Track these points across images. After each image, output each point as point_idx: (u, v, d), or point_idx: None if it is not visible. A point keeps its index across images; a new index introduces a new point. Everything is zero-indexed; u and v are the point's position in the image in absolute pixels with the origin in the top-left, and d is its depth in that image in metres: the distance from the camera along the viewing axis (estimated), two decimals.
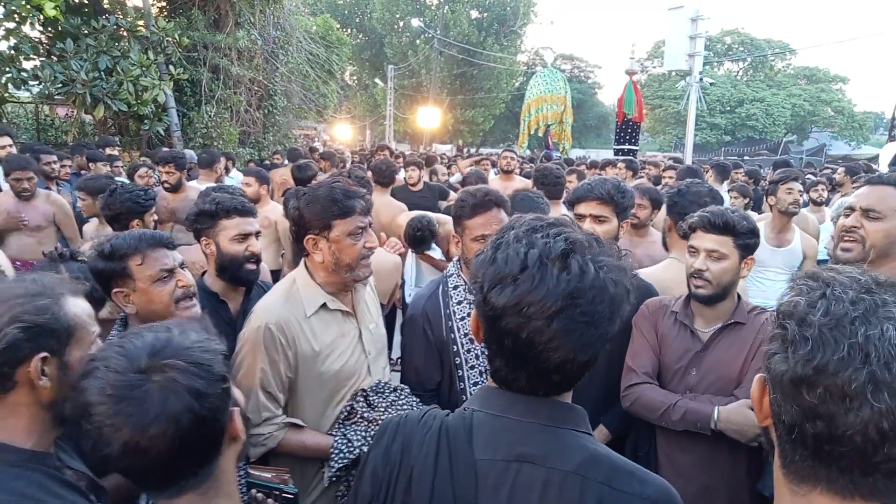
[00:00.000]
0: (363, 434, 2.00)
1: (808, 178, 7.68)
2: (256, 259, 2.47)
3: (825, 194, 5.81)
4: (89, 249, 1.91)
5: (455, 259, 2.49)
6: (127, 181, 5.15)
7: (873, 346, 0.74)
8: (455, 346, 2.33)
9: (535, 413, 1.08)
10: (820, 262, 4.86)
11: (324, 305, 2.09)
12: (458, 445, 1.10)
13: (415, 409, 2.05)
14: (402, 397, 2.13)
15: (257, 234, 2.52)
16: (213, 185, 4.45)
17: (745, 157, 29.46)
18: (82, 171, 7.11)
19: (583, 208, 2.50)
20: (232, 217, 2.43)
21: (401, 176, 6.45)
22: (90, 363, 1.05)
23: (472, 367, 2.33)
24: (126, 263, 1.84)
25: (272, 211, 4.76)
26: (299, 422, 2.07)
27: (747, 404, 2.02)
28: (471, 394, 2.32)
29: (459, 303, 2.37)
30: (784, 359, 0.79)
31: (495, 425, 1.09)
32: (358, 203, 2.06)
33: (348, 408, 2.08)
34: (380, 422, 1.98)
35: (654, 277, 2.66)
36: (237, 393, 1.16)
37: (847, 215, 2.14)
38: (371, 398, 2.09)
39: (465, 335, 2.33)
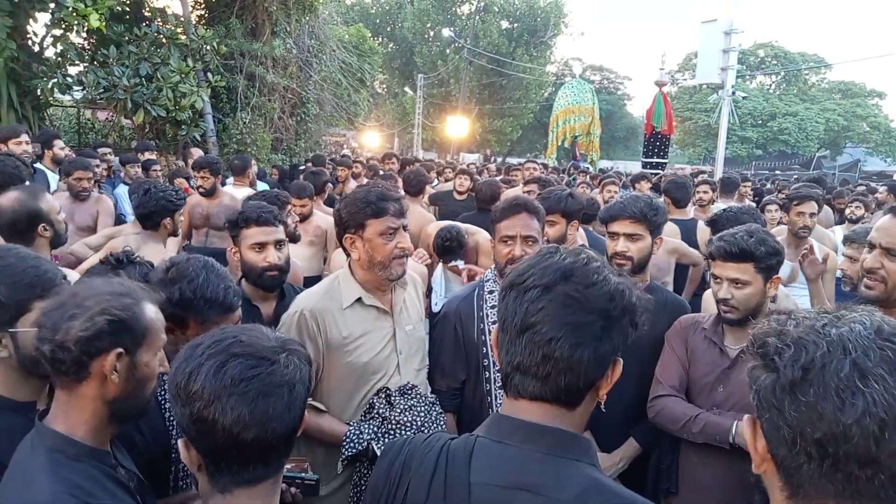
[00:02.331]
0: (374, 429, 2.08)
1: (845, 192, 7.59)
2: (278, 268, 2.50)
3: (860, 212, 5.72)
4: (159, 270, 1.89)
5: (492, 265, 2.58)
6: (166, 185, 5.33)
7: (848, 340, 0.78)
8: (484, 349, 2.43)
9: (535, 441, 1.07)
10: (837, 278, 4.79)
11: (359, 300, 2.21)
12: (455, 467, 1.11)
13: (432, 416, 2.15)
14: (422, 403, 2.18)
15: (279, 242, 2.54)
16: (252, 191, 4.58)
17: (777, 172, 28.95)
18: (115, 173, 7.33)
19: (616, 226, 2.52)
20: (251, 226, 2.50)
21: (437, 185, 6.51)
22: (198, 365, 1.10)
23: (500, 371, 2.40)
24: (188, 315, 1.79)
25: (323, 220, 4.81)
26: (321, 406, 2.18)
27: None
28: (496, 396, 2.41)
29: (493, 307, 2.46)
30: (770, 371, 0.81)
31: (495, 451, 1.09)
32: (391, 205, 2.17)
33: (370, 403, 2.17)
34: (394, 421, 2.07)
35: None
36: None
37: (870, 251, 2.08)
38: (393, 398, 2.16)
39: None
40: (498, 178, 7.44)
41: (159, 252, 3.15)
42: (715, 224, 2.89)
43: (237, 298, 1.90)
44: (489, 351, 2.42)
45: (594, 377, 1.07)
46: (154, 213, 3.36)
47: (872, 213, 6.51)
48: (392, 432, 2.07)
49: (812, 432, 0.77)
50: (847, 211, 5.58)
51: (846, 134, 39.16)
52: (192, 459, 1.12)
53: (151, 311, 1.40)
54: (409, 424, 2.08)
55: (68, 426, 1.33)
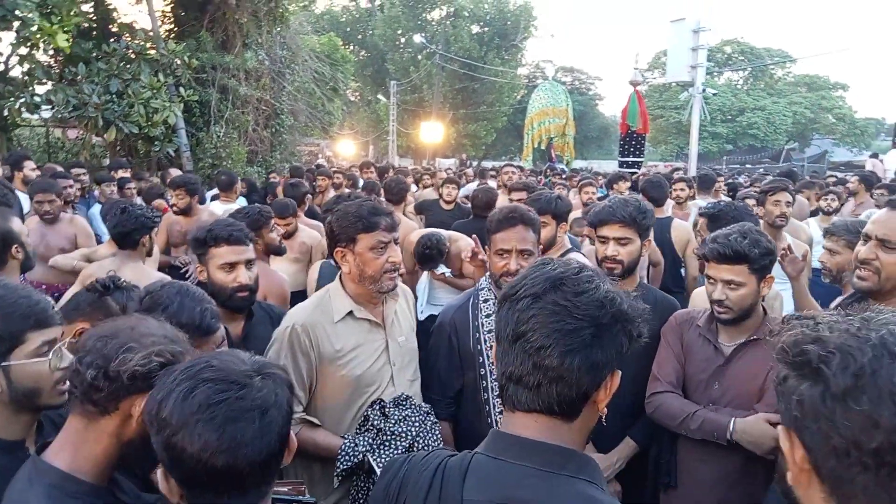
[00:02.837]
0: (369, 441, 2.07)
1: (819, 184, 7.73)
2: (248, 288, 2.45)
3: (835, 204, 5.83)
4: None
5: (487, 274, 2.57)
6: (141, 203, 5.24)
7: (892, 343, 0.76)
8: (481, 358, 2.43)
9: (530, 457, 1.06)
10: (815, 270, 4.87)
11: (350, 313, 2.21)
12: (449, 485, 1.11)
13: (426, 426, 2.14)
14: (417, 413, 2.17)
15: (249, 262, 2.48)
16: (238, 206, 4.52)
17: (748, 166, 29.51)
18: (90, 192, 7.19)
19: (606, 231, 2.53)
20: (220, 245, 2.43)
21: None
22: (169, 390, 1.08)
23: (497, 379, 2.40)
24: None
25: (308, 235, 4.73)
26: (315, 420, 2.18)
27: (764, 417, 2.05)
28: (494, 405, 2.41)
29: (488, 316, 2.46)
30: (816, 381, 0.78)
31: (490, 467, 1.09)
32: (383, 219, 2.17)
33: (364, 416, 2.16)
34: (389, 432, 2.06)
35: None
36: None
37: (864, 242, 2.10)
38: (387, 409, 2.15)
39: (492, 347, 2.41)
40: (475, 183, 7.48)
41: (139, 271, 3.10)
42: (717, 220, 2.91)
43: (215, 320, 1.85)
44: (486, 360, 2.42)
45: (588, 387, 1.06)
46: (133, 231, 3.32)
47: (843, 204, 6.65)
48: (387, 444, 2.05)
49: (868, 441, 0.74)
50: (823, 203, 5.68)
51: (813, 126, 40.07)
52: (172, 490, 1.10)
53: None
54: (404, 435, 2.07)
55: (74, 461, 1.29)
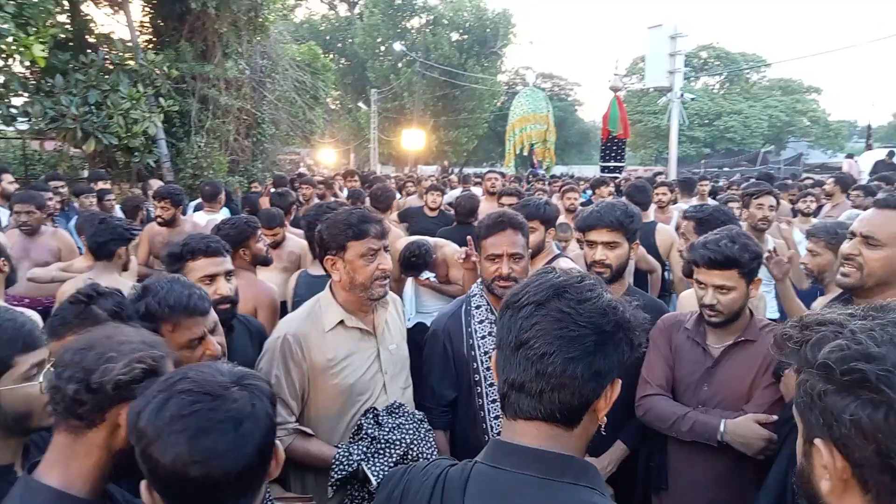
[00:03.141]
0: (363, 450, 2.06)
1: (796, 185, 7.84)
2: (230, 300, 2.41)
3: (813, 205, 5.93)
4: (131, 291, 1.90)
5: (479, 280, 2.59)
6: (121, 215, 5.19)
7: None
8: (475, 364, 2.44)
9: (530, 465, 1.06)
10: None
11: (341, 322, 2.21)
12: (450, 494, 1.11)
13: (420, 434, 2.14)
14: (410, 421, 2.18)
15: (228, 273, 2.45)
16: (223, 217, 4.49)
17: (725, 169, 29.85)
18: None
19: (594, 235, 2.56)
20: (198, 258, 2.38)
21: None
22: (152, 397, 1.08)
23: (492, 385, 2.42)
24: (158, 326, 1.77)
25: (296, 244, 4.69)
26: (308, 430, 2.18)
27: (754, 418, 2.08)
28: (489, 411, 2.41)
29: (481, 322, 2.48)
30: (876, 402, 0.77)
31: (490, 476, 1.09)
32: (373, 227, 2.18)
33: (358, 424, 2.16)
34: (383, 441, 2.06)
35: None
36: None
37: (850, 239, 2.11)
38: (381, 417, 2.15)
39: (486, 353, 2.43)
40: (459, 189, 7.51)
41: (116, 283, 3.06)
42: (705, 224, 2.95)
43: (204, 301, 1.86)
44: (480, 366, 2.43)
45: (589, 395, 1.06)
46: (110, 241, 3.31)
47: (821, 206, 6.77)
48: (382, 452, 2.05)
49: None
50: (802, 205, 5.78)
51: (788, 129, 40.76)
52: (156, 501, 1.09)
53: (170, 366, 1.37)
54: (398, 443, 2.07)
55: (66, 478, 1.26)
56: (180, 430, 1.02)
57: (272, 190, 7.79)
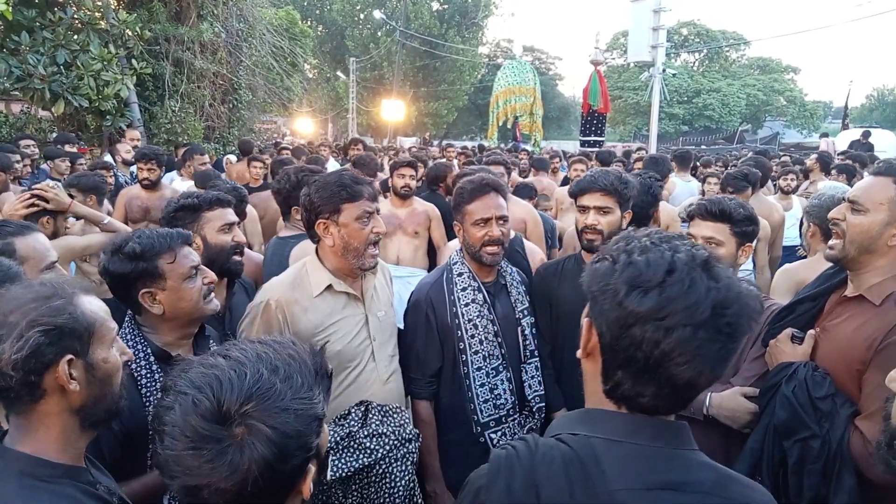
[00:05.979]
0: (336, 440, 2.00)
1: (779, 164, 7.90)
2: (241, 249, 2.48)
3: (793, 183, 5.97)
4: (103, 254, 1.83)
5: (459, 247, 2.54)
6: None
7: None
8: (459, 332, 2.40)
9: (659, 437, 1.03)
10: (786, 248, 5.00)
11: (329, 287, 2.15)
12: (591, 476, 1.01)
13: (399, 454, 2.05)
14: (395, 437, 2.08)
15: (238, 224, 2.53)
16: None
17: (703, 146, 30.13)
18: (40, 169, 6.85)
19: (587, 199, 2.52)
20: (214, 208, 2.42)
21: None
22: (180, 391, 0.98)
23: (476, 353, 2.40)
24: (157, 262, 1.76)
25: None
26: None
27: (741, 391, 2.05)
28: (474, 379, 2.37)
29: (464, 289, 2.44)
30: None
31: (623, 452, 1.02)
32: (366, 189, 2.14)
33: (347, 410, 2.10)
34: (357, 441, 1.98)
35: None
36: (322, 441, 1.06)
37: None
38: (370, 416, 2.09)
39: (469, 321, 2.40)
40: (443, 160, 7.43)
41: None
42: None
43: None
44: (464, 334, 2.39)
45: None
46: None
47: (799, 184, 6.83)
48: (350, 451, 1.98)
49: None
50: (783, 183, 5.82)
51: (765, 108, 41.12)
52: None
53: (89, 304, 1.29)
54: (370, 451, 1.99)
55: (36, 447, 1.21)
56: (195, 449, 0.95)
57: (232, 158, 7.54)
